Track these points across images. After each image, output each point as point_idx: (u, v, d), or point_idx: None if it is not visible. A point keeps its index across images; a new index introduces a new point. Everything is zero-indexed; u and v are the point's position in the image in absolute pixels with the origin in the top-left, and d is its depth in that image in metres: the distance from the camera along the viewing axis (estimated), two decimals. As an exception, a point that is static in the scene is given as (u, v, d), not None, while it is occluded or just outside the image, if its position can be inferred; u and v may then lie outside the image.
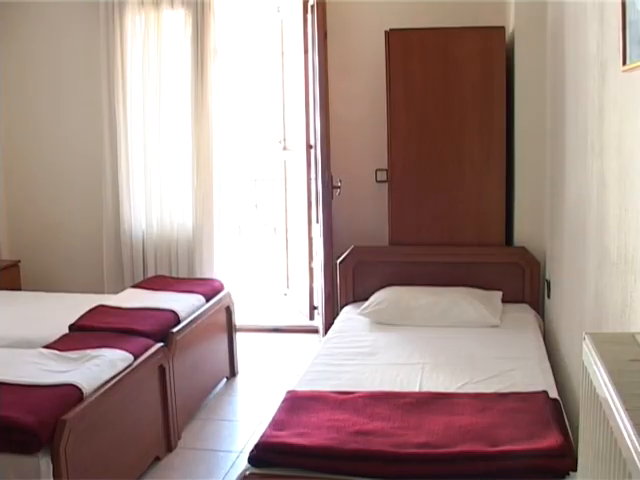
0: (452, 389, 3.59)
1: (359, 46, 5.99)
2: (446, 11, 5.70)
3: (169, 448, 4.36)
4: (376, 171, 5.97)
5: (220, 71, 6.29)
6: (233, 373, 5.53)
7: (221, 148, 6.33)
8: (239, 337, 5.65)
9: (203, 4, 6.11)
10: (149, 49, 6.29)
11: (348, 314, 5.06)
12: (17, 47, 6.72)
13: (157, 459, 4.23)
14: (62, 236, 6.85)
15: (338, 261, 5.41)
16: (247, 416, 4.96)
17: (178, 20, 6.26)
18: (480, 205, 5.26)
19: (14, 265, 6.61)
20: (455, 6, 5.72)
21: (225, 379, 5.44)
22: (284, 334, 6.56)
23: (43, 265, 6.88)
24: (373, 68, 5.75)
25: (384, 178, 5.74)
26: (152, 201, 6.42)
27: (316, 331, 6.32)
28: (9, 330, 4.70)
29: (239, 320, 5.73)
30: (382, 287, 5.13)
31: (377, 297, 4.94)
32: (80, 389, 3.48)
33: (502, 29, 5.18)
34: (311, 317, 6.48)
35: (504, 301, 4.94)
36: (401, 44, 5.29)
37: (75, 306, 5.02)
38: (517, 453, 2.78)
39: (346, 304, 5.32)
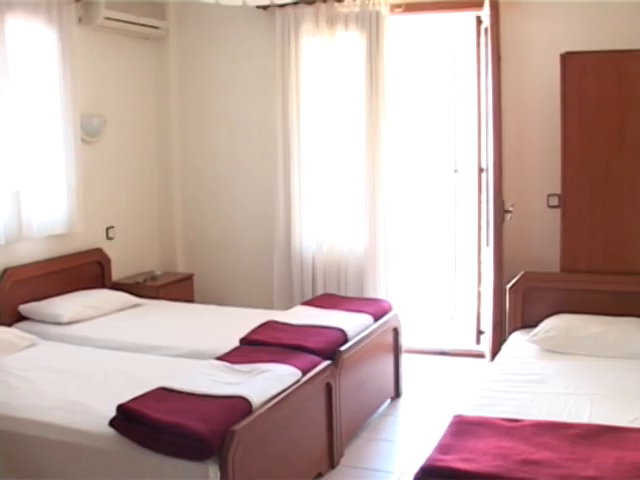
0: (622, 423, 3.46)
1: (533, 69, 5.91)
2: (622, 33, 5.55)
3: (332, 465, 4.39)
4: (548, 196, 5.87)
5: (393, 92, 6.32)
6: (397, 394, 5.52)
7: (393, 170, 6.34)
8: (405, 359, 5.65)
9: (377, 26, 6.16)
10: (323, 70, 6.39)
11: (517, 340, 4.99)
12: (196, 67, 7.01)
13: (319, 475, 4.27)
14: (235, 252, 7.06)
15: (508, 286, 5.34)
16: (409, 438, 4.93)
17: (352, 41, 6.34)
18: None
19: (188, 278, 6.89)
20: (631, 28, 5.57)
21: (389, 400, 5.45)
22: (450, 357, 6.50)
23: (215, 279, 7.11)
24: (547, 91, 5.67)
25: (556, 203, 5.65)
26: (323, 221, 6.50)
27: (482, 356, 6.25)
28: (183, 341, 4.90)
29: (405, 342, 5.73)
30: (552, 314, 5.04)
31: (547, 324, 4.85)
32: (249, 402, 3.56)
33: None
34: (477, 341, 6.42)
35: (680, 334, 4.75)
36: (576, 67, 5.19)
37: (245, 320, 5.17)
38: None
39: (514, 330, 5.24)
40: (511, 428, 3.31)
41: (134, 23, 6.40)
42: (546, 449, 3.08)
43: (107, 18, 6.08)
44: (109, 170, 6.54)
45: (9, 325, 5.25)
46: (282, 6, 6.28)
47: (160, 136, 7.11)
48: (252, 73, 6.83)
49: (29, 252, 5.66)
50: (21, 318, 5.44)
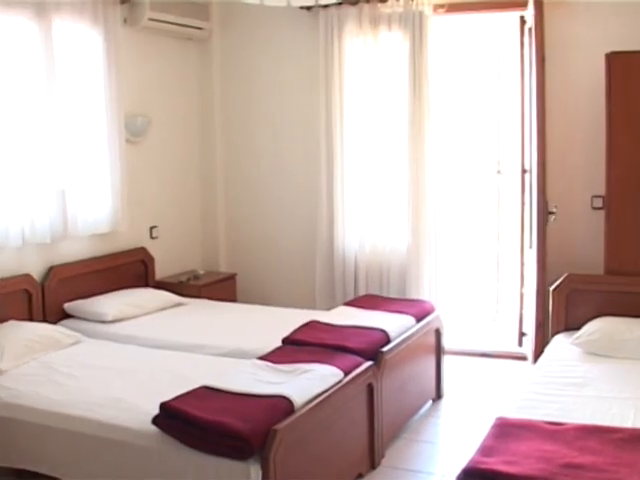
0: (668, 428, 3.43)
1: (577, 69, 5.86)
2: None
3: (372, 465, 4.38)
4: (592, 197, 5.83)
5: (436, 93, 6.31)
6: (439, 395, 5.51)
7: (435, 171, 6.32)
8: (446, 360, 5.63)
9: (420, 27, 6.14)
10: (366, 70, 6.39)
11: (559, 343, 4.96)
12: (239, 68, 7.06)
13: (360, 476, 4.27)
14: (277, 252, 7.09)
15: (551, 288, 5.31)
16: (450, 439, 4.92)
17: (395, 42, 6.33)
18: None
19: (231, 278, 6.93)
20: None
21: (431, 401, 5.43)
22: (492, 359, 6.47)
23: (258, 279, 7.14)
24: (591, 91, 5.63)
25: (600, 205, 5.62)
26: (366, 221, 6.50)
27: (524, 358, 6.22)
28: (225, 340, 4.93)
29: (447, 343, 5.72)
30: (596, 317, 5.00)
31: (590, 327, 4.81)
32: (291, 401, 3.57)
33: None
34: (520, 344, 6.38)
35: None
36: (622, 67, 5.15)
37: (288, 320, 5.19)
38: None
39: (557, 332, 5.21)
40: (554, 431, 3.29)
41: (178, 24, 6.45)
42: (590, 453, 3.05)
43: (151, 19, 6.15)
44: (153, 170, 6.60)
45: (54, 322, 5.33)
46: (325, 7, 6.29)
47: (203, 136, 7.17)
48: (295, 73, 6.85)
49: (74, 250, 5.73)
50: (66, 316, 5.51)
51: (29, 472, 3.89)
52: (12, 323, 4.93)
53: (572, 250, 5.93)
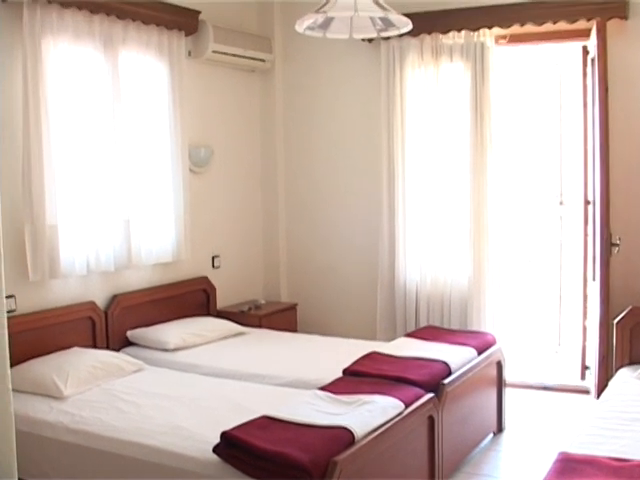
0: None
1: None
2: None
3: (431, 498, 4.35)
4: (658, 230, 5.75)
5: (498, 123, 6.29)
6: (500, 429, 5.44)
7: (497, 202, 6.29)
8: (508, 393, 5.56)
9: (482, 57, 6.15)
10: (428, 101, 6.40)
11: (624, 377, 4.87)
12: (301, 99, 7.13)
13: (419, 509, 4.24)
14: (338, 283, 7.09)
15: (615, 321, 5.23)
16: (511, 474, 4.83)
17: (457, 73, 6.33)
18: None
19: (292, 308, 6.94)
20: None
21: (492, 434, 5.37)
22: (554, 393, 6.38)
23: (319, 309, 7.16)
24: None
25: (666, 237, 5.54)
26: (427, 253, 6.48)
27: (587, 392, 6.12)
28: (286, 370, 4.94)
29: (508, 375, 5.65)
30: (661, 351, 4.92)
31: (656, 361, 4.74)
32: (352, 433, 3.56)
33: None
34: (582, 377, 6.29)
35: None
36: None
37: (348, 351, 5.19)
38: None
39: (621, 366, 5.13)
40: (619, 468, 3.23)
41: (241, 56, 6.55)
42: (656, 490, 3.00)
43: (215, 52, 6.26)
44: (215, 200, 6.68)
45: (117, 350, 5.41)
46: (387, 38, 6.32)
47: (265, 167, 7.23)
48: (357, 104, 6.89)
49: (137, 279, 5.81)
50: (129, 343, 5.59)
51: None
52: (76, 350, 5.01)
53: (636, 282, 5.84)
